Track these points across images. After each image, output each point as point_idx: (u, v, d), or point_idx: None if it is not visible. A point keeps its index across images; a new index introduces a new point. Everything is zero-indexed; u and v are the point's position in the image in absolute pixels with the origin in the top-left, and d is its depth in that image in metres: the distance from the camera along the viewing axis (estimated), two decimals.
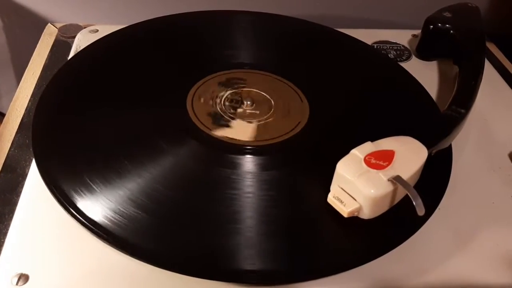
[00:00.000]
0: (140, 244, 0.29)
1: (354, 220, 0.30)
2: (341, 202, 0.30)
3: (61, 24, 0.52)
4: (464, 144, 0.39)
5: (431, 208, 0.32)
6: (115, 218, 0.30)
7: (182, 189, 0.32)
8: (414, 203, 0.28)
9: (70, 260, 0.29)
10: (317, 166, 0.34)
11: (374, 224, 0.30)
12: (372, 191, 0.29)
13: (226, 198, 0.32)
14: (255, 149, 0.35)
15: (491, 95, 0.45)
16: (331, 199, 0.31)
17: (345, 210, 0.30)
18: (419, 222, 0.31)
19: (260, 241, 0.30)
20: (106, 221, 0.29)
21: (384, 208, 0.30)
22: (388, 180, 0.29)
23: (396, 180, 0.29)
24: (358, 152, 0.31)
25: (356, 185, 0.29)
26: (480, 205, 0.35)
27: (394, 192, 0.30)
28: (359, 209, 0.30)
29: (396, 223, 0.31)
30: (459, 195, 0.35)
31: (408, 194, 0.28)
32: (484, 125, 0.42)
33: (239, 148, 0.35)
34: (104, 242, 0.29)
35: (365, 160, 0.30)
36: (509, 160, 0.39)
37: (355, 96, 0.42)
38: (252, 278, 0.28)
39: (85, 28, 0.50)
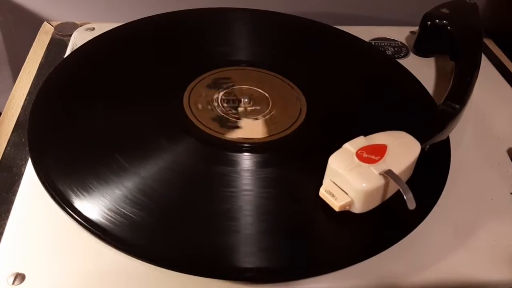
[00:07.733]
0: (138, 242, 0.29)
1: (354, 217, 0.30)
2: (333, 196, 0.30)
3: (57, 22, 0.52)
4: (463, 140, 0.39)
5: (430, 204, 0.32)
6: (112, 217, 0.29)
7: (180, 188, 0.32)
8: (405, 197, 0.28)
9: (66, 259, 0.29)
10: (316, 162, 0.34)
11: (374, 221, 0.30)
12: (364, 185, 0.29)
13: (224, 196, 0.31)
14: (262, 146, 0.35)
15: (489, 92, 0.45)
16: (322, 193, 0.30)
17: (336, 204, 0.30)
18: (418, 218, 0.31)
19: (258, 239, 0.29)
20: (103, 220, 0.29)
21: (376, 202, 0.30)
22: (380, 174, 0.29)
23: (388, 174, 0.29)
24: (350, 146, 0.31)
25: (347, 179, 0.29)
26: (479, 201, 0.35)
27: (386, 186, 0.29)
28: (351, 203, 0.30)
29: (395, 220, 0.31)
30: (458, 192, 0.35)
31: (399, 188, 0.28)
32: (482, 121, 0.42)
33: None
34: (101, 241, 0.29)
35: (357, 154, 0.30)
36: (507, 156, 0.38)
37: (352, 92, 0.41)
38: (250, 275, 0.28)
39: (81, 26, 0.50)
